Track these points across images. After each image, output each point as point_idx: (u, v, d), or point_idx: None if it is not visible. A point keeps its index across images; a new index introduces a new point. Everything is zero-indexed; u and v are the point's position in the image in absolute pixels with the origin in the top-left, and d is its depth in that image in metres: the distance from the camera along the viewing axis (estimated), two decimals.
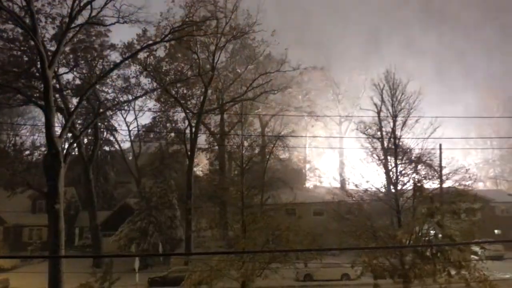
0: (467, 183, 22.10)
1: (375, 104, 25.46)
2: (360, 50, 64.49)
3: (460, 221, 20.41)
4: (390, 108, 24.53)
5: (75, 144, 33.77)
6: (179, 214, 38.74)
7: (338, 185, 43.31)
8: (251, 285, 20.72)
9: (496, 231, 37.98)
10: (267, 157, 40.57)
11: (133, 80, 40.14)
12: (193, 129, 39.22)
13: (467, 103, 58.89)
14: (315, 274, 28.38)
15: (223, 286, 23.46)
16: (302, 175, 53.61)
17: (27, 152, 36.27)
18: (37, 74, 28.31)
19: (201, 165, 50.98)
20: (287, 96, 47.18)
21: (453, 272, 19.04)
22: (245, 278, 20.09)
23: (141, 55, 36.83)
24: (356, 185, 24.31)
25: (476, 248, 20.12)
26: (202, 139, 46.13)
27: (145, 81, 40.70)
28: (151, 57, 38.73)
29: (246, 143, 39.71)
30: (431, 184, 22.67)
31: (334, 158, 54.32)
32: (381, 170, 23.61)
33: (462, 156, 57.78)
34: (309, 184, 52.91)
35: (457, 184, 22.18)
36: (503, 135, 53.43)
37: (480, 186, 51.96)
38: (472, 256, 19.67)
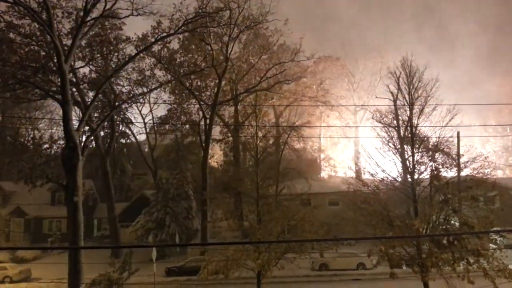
0: (485, 171, 21.65)
1: (391, 92, 25.01)
2: (376, 38, 63.35)
3: (478, 209, 20.06)
4: (406, 96, 24.05)
5: (92, 137, 34.29)
6: (195, 205, 39.14)
7: (354, 175, 42.93)
8: (267, 275, 20.91)
9: None
10: (282, 147, 40.51)
11: (147, 73, 40.40)
12: (208, 121, 39.37)
13: (486, 89, 57.46)
14: (330, 264, 28.42)
15: (240, 276, 23.78)
16: (317, 165, 53.36)
17: (46, 146, 36.97)
18: (54, 68, 28.75)
19: (216, 156, 51.24)
20: (301, 86, 46.80)
21: (471, 260, 18.82)
22: (261, 268, 20.25)
23: (155, 48, 37.03)
24: (371, 175, 24.06)
25: (495, 237, 19.78)
26: (216, 131, 46.32)
27: (159, 73, 40.95)
28: (165, 49, 38.91)
29: (260, 134, 39.67)
30: (448, 172, 22.30)
31: (349, 148, 53.84)
32: (397, 159, 23.29)
33: (480, 144, 56.88)
34: (324, 174, 52.64)
35: (475, 172, 21.75)
36: None
37: (499, 174, 50.96)
38: (491, 245, 19.34)
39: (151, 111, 49.53)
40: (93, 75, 38.73)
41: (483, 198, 21.04)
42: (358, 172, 43.87)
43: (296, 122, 46.02)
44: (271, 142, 39.01)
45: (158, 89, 43.23)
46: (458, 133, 26.67)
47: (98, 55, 37.00)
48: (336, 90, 52.69)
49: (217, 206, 33.33)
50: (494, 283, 17.94)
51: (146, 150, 52.33)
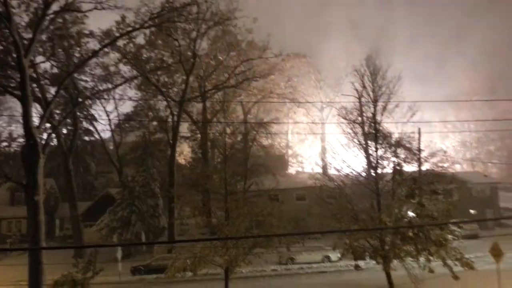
0: (444, 165, 22.66)
1: (356, 90, 25.64)
2: (342, 36, 64.61)
3: (438, 201, 20.96)
4: (371, 93, 24.74)
5: (53, 135, 33.06)
6: (161, 202, 38.58)
7: (320, 170, 43.74)
8: (235, 271, 20.97)
9: (472, 211, 39.15)
10: (250, 144, 40.62)
11: (112, 68, 39.29)
12: (175, 118, 38.87)
13: (446, 86, 59.93)
14: (297, 258, 28.86)
15: (207, 273, 23.70)
16: (285, 161, 53.94)
17: (5, 144, 35.39)
18: (13, 63, 27.47)
19: (184, 153, 50.72)
20: (269, 83, 47.07)
21: (432, 251, 19.65)
22: (229, 264, 20.29)
23: (120, 43, 36.07)
24: (337, 170, 24.62)
25: (453, 228, 20.72)
26: (184, 127, 45.82)
27: (125, 69, 39.94)
28: (131, 44, 37.98)
29: (228, 131, 39.61)
30: (410, 167, 23.14)
31: (316, 144, 54.78)
32: (362, 155, 23.94)
33: (440, 139, 59.40)
34: (291, 170, 53.31)
35: (435, 166, 22.69)
36: (479, 118, 54.77)
37: (457, 168, 53.43)
38: (450, 236, 20.24)
39: (116, 108, 48.34)
40: (55, 70, 37.33)
41: (442, 191, 22.00)
42: (324, 168, 44.82)
43: (264, 118, 46.27)
44: (239, 138, 39.09)
45: (124, 85, 42.20)
46: (419, 129, 27.68)
47: (60, 50, 35.66)
48: (303, 88, 53.40)
49: (184, 204, 33.07)
50: (453, 271, 18.85)
51: (111, 147, 51.01)
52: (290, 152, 54.87)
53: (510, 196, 50.05)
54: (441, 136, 61.57)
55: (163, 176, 39.39)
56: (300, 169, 52.27)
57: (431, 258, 19.30)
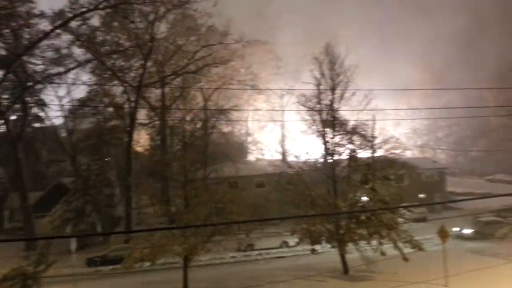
0: (396, 151, 23.64)
1: (315, 78, 26.01)
2: (302, 23, 64.84)
3: (390, 186, 21.89)
4: (329, 81, 25.17)
5: (1, 121, 31.17)
6: (118, 191, 37.58)
7: (280, 157, 44.36)
8: (194, 259, 20.94)
9: (421, 195, 41.24)
10: (210, 131, 40.27)
11: (65, 51, 37.34)
12: (133, 104, 37.71)
13: (399, 75, 61.97)
14: (256, 244, 29.25)
15: (166, 262, 23.55)
16: (245, 149, 54.10)
17: None
18: None
19: (142, 140, 49.48)
20: (230, 69, 46.58)
21: (384, 234, 20.60)
22: (188, 252, 20.22)
23: (74, 24, 34.29)
24: (296, 157, 25.05)
25: (404, 211, 21.76)
26: (142, 114, 44.56)
27: (78, 52, 38.06)
28: (85, 26, 36.20)
29: (188, 117, 39.06)
30: (365, 154, 23.94)
31: (276, 131, 55.27)
32: (320, 142, 24.46)
33: (393, 126, 61.76)
34: (251, 157, 53.56)
35: (388, 153, 23.61)
36: (430, 106, 57.35)
37: (408, 154, 55.87)
38: (400, 219, 21.26)
39: (69, 93, 46.10)
40: (2, 52, 34.97)
41: (394, 176, 22.98)
42: (283, 155, 45.47)
43: (224, 105, 45.92)
44: (199, 126, 38.67)
45: (77, 69, 40.27)
46: (374, 116, 28.53)
47: (7, 31, 33.40)
48: (264, 74, 53.41)
49: (142, 192, 32.44)
50: (403, 253, 19.88)
51: (64, 135, 48.80)
52: (250, 139, 55.04)
53: (456, 181, 53.15)
54: (394, 123, 64.10)
55: (120, 165, 38.30)
56: (260, 156, 52.62)
57: (382, 241, 20.24)
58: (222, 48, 42.19)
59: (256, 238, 28.69)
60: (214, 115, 41.71)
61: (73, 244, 24.40)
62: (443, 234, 20.20)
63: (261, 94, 49.64)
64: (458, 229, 29.56)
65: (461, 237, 28.87)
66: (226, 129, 46.22)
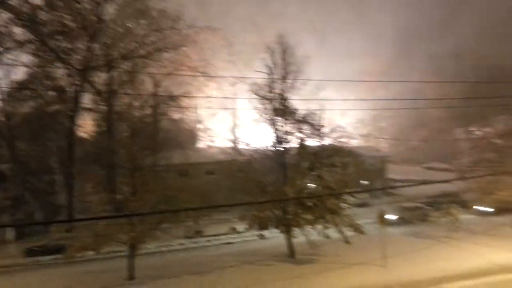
0: (343, 140, 24.58)
1: (267, 66, 26.24)
2: (255, 12, 64.76)
3: (335, 173, 22.78)
4: (280, 70, 25.53)
5: None
6: (60, 179, 35.87)
7: (231, 145, 44.37)
8: (141, 247, 20.64)
9: (364, 182, 43.33)
10: (160, 117, 39.44)
11: (3, 30, 34.64)
12: (77, 87, 35.95)
13: (347, 67, 64.05)
14: (205, 231, 29.35)
15: (111, 250, 22.99)
16: (195, 136, 53.58)
17: None
18: None
19: (86, 126, 47.39)
20: (181, 55, 45.60)
21: (328, 218, 21.47)
22: (135, 240, 19.89)
23: (14, 1, 31.90)
24: (247, 144, 25.28)
25: (348, 197, 22.77)
26: (87, 99, 42.58)
27: (18, 31, 35.48)
28: (26, 4, 33.77)
29: (137, 103, 37.92)
30: (313, 142, 24.66)
31: (227, 119, 55.17)
32: (271, 130, 24.85)
33: (340, 116, 64.01)
34: (202, 145, 53.19)
35: (334, 141, 24.48)
36: (377, 97, 59.87)
37: (353, 143, 58.12)
38: (344, 204, 22.23)
39: (7, 74, 42.93)
40: None
41: (340, 164, 23.91)
42: (235, 142, 45.50)
43: (175, 92, 45.01)
44: (148, 112, 37.75)
45: (17, 50, 37.56)
46: (322, 106, 29.36)
47: None
48: (216, 61, 52.92)
49: (86, 180, 31.27)
50: (345, 236, 20.84)
51: (2, 119, 45.52)
52: (201, 126, 54.53)
53: (396, 168, 56.27)
54: (342, 113, 66.41)
55: (62, 151, 36.49)
56: (210, 144, 52.37)
57: (327, 225, 21.12)
58: (173, 33, 41.21)
59: (205, 225, 28.78)
60: (164, 101, 40.81)
61: (11, 233, 23.09)
62: (382, 219, 21.43)
63: (212, 81, 49.19)
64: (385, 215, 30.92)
65: (387, 223, 29.77)
66: (176, 116, 45.45)
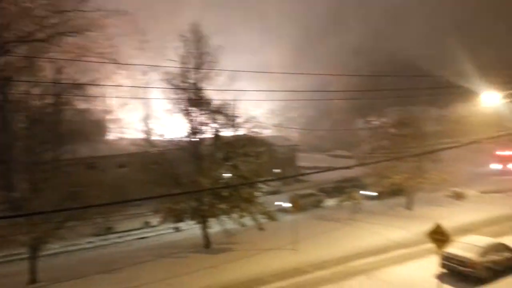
0: (256, 130, 25.25)
1: (181, 55, 25.72)
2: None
3: (249, 163, 23.38)
4: (194, 59, 25.19)
5: None
6: None
7: (143, 136, 42.82)
8: (44, 248, 19.14)
9: (276, 170, 45.24)
10: (62, 107, 36.47)
11: None
12: None
13: (261, 58, 65.62)
14: (116, 227, 28.16)
15: (8, 254, 21.00)
16: (104, 127, 50.68)
17: None
18: None
19: None
20: (87, 40, 42.50)
21: (243, 207, 22.06)
22: (35, 242, 18.36)
23: None
24: (160, 136, 24.66)
25: (261, 185, 23.57)
26: None
27: None
28: None
29: (36, 91, 34.52)
30: (227, 132, 24.94)
31: (139, 109, 53.05)
32: (185, 120, 24.52)
33: (254, 107, 65.52)
34: (112, 136, 50.53)
35: (248, 132, 25.04)
36: (286, 88, 62.33)
37: (266, 133, 60.06)
38: (258, 192, 22.99)
39: None
40: None
41: (253, 154, 24.57)
42: (147, 133, 43.95)
43: (80, 79, 41.95)
44: (49, 101, 34.66)
45: None
46: (237, 96, 29.76)
47: None
48: (126, 48, 50.38)
49: None
50: (259, 224, 21.60)
51: None
52: (110, 117, 51.67)
53: (305, 156, 59.61)
54: (255, 104, 67.97)
55: None
56: (121, 135, 49.94)
57: (242, 213, 21.68)
58: (78, 16, 38.21)
59: (117, 221, 27.62)
60: (68, 90, 37.79)
61: None
62: (295, 205, 22.64)
63: (123, 69, 46.78)
64: (280, 203, 31.22)
65: (282, 210, 30.04)
66: (82, 106, 42.47)
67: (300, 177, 46.64)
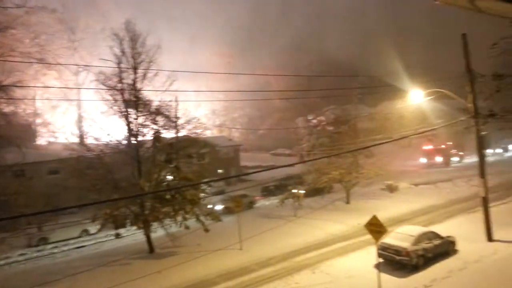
0: (198, 131, 25.00)
1: (115, 55, 24.69)
2: None
3: (192, 164, 23.10)
4: (130, 59, 24.29)
5: None
6: None
7: (77, 140, 40.52)
8: None
9: (219, 170, 45.17)
10: None
11: None
12: None
13: (200, 59, 64.99)
14: (51, 237, 26.41)
15: None
16: (33, 131, 47.32)
17: None
18: None
19: None
20: (9, 38, 39.34)
21: (187, 209, 21.75)
22: None
23: None
24: (96, 139, 23.48)
25: (204, 187, 23.36)
26: None
27: None
28: None
29: None
30: (168, 134, 24.40)
31: (71, 111, 50.23)
32: (123, 123, 23.58)
33: (194, 107, 64.92)
34: (41, 141, 47.31)
35: (190, 133, 24.72)
36: (227, 89, 62.54)
37: (208, 133, 59.75)
38: (202, 194, 22.78)
39: None
40: None
41: (196, 155, 24.30)
42: (81, 137, 41.67)
43: (3, 81, 38.69)
44: None
45: None
46: (177, 97, 29.22)
47: None
48: (54, 47, 47.43)
49: None
50: (204, 225, 21.43)
51: None
52: (39, 120, 48.37)
53: (248, 156, 60.17)
54: (196, 104, 67.39)
55: None
56: (52, 140, 46.91)
57: (187, 216, 21.36)
58: None
59: (51, 231, 25.89)
60: None
61: None
62: (237, 204, 22.73)
63: (51, 69, 44.04)
64: (211, 206, 29.60)
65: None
66: (7, 108, 39.23)
67: (244, 177, 46.97)
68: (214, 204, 29.92)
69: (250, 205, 32.88)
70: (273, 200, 34.37)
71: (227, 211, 29.83)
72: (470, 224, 21.53)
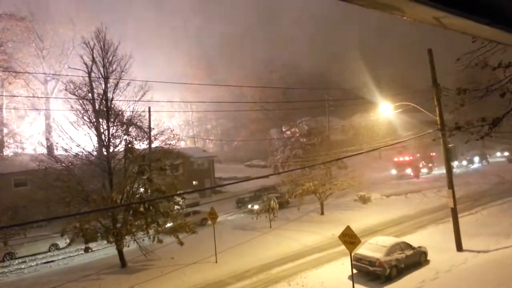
0: (172, 142, 24.65)
1: (86, 64, 24.18)
2: (68, 2, 58.33)
3: (165, 176, 22.69)
4: (101, 69, 23.80)
5: None
6: None
7: (45, 151, 39.15)
8: None
9: (194, 182, 44.59)
10: None
11: None
12: None
13: (174, 69, 64.44)
14: (18, 251, 25.19)
15: None
16: None
17: None
18: None
19: None
20: None
21: (160, 222, 21.30)
22: None
23: None
24: (65, 150, 22.74)
25: (178, 198, 22.96)
26: None
27: None
28: None
29: None
30: (141, 145, 23.93)
31: (39, 121, 48.53)
32: (93, 133, 22.97)
33: (168, 118, 64.18)
34: (8, 152, 45.39)
35: (163, 144, 24.34)
36: (201, 100, 62.23)
37: (182, 144, 59.10)
38: (176, 206, 22.37)
39: None
40: None
41: (169, 166, 23.89)
42: (50, 148, 40.37)
43: None
44: None
45: None
46: (149, 108, 28.85)
47: None
48: (21, 55, 45.96)
49: None
50: (178, 238, 21.00)
51: None
52: (5, 130, 46.48)
53: (222, 167, 59.80)
54: (169, 115, 66.64)
55: None
56: (19, 151, 45.09)
57: (160, 229, 20.89)
58: None
59: (18, 245, 24.69)
60: None
61: None
62: (213, 216, 22.45)
63: (18, 78, 42.58)
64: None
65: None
66: None
67: (219, 188, 46.55)
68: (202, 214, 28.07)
69: (203, 222, 30.32)
70: (247, 213, 34.14)
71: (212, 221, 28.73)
72: (440, 235, 22.06)
